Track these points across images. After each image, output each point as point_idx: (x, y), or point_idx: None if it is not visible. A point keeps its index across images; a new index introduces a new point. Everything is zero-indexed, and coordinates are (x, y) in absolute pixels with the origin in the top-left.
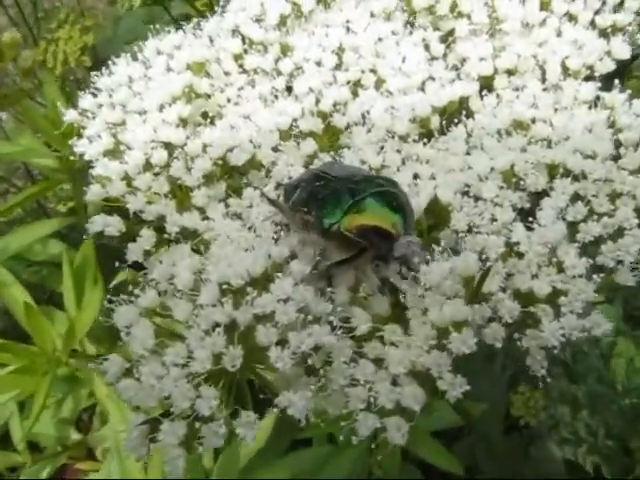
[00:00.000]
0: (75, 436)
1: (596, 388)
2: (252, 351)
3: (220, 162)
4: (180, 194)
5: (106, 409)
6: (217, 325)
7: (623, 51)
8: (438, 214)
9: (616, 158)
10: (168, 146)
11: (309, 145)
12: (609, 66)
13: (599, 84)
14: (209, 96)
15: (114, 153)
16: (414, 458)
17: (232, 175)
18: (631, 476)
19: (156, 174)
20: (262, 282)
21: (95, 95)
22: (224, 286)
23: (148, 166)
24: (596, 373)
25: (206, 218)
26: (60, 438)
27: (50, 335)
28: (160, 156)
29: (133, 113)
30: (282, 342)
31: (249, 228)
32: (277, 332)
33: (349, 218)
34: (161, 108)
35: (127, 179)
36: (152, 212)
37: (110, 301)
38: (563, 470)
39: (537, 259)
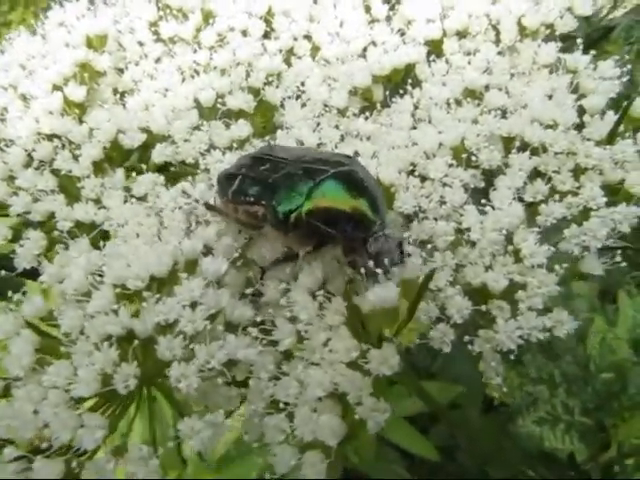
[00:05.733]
0: None
1: (570, 368)
2: (157, 366)
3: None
4: (71, 187)
5: None
6: (109, 337)
7: (585, 6)
8: None
9: (580, 127)
10: (53, 137)
11: (242, 128)
12: (571, 24)
13: (560, 44)
14: (121, 70)
15: None
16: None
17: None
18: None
19: (37, 168)
20: (170, 284)
21: None
22: (119, 289)
23: (30, 161)
24: (571, 352)
25: (103, 207)
26: None
27: None
28: (45, 149)
29: (18, 99)
30: (188, 356)
31: (156, 214)
32: (182, 344)
33: (312, 202)
34: (49, 92)
35: (8, 179)
36: (39, 211)
37: None
38: (542, 446)
39: (491, 248)
